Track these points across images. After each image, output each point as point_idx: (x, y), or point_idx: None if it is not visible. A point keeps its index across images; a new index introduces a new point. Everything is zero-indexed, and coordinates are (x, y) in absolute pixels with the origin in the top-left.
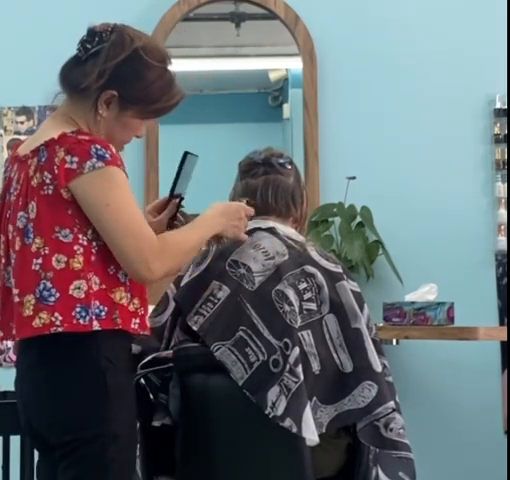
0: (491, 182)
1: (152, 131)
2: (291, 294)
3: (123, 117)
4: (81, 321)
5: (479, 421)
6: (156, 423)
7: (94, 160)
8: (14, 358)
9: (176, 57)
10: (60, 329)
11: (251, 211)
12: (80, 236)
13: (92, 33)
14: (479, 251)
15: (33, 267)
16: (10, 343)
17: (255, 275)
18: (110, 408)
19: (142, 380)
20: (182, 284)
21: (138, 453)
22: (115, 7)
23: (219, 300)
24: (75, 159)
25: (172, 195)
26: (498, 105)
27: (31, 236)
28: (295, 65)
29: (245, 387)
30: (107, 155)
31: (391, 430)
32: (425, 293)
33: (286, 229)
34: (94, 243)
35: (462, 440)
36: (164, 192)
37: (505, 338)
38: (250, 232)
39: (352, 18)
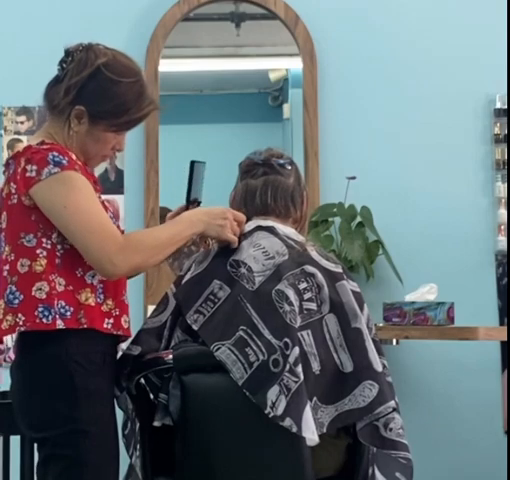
0: (491, 182)
1: (152, 131)
2: (291, 294)
3: (94, 131)
4: (44, 320)
5: (479, 421)
6: (156, 423)
7: (51, 166)
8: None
9: (176, 57)
10: (23, 328)
11: (241, 216)
12: (44, 240)
13: (67, 53)
14: (479, 251)
15: (3, 274)
16: (10, 343)
17: (255, 275)
18: (79, 408)
19: (142, 380)
20: (183, 282)
21: (138, 453)
22: (115, 7)
23: (219, 299)
24: (34, 167)
25: (189, 201)
26: (498, 105)
27: (2, 245)
28: (295, 65)
29: (245, 387)
30: (64, 161)
31: (390, 430)
32: (425, 293)
33: (286, 229)
34: (59, 246)
35: (462, 440)
36: (164, 192)
37: (505, 338)
38: (250, 232)
39: (352, 18)
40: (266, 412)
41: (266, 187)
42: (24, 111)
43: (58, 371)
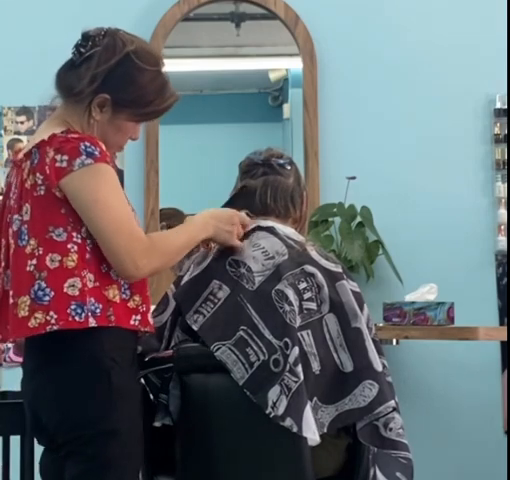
0: (491, 182)
1: (152, 131)
2: (291, 294)
3: (116, 120)
4: (77, 318)
5: (479, 421)
6: (157, 423)
7: (83, 157)
8: (14, 358)
9: (176, 57)
10: (55, 327)
11: (247, 220)
12: (74, 234)
13: (86, 37)
14: (479, 251)
15: (28, 268)
16: (10, 343)
17: (255, 275)
18: (113, 406)
19: (142, 380)
20: (182, 283)
21: None
22: (115, 7)
23: (219, 300)
24: (65, 157)
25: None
26: (498, 105)
27: (25, 238)
28: (295, 65)
29: (246, 387)
30: (96, 152)
31: (390, 430)
32: (425, 293)
33: (286, 229)
34: (88, 241)
35: (462, 440)
36: (164, 192)
37: (505, 338)
38: (250, 231)
39: (352, 18)
40: (267, 412)
41: (266, 187)
42: (24, 111)
43: (95, 368)
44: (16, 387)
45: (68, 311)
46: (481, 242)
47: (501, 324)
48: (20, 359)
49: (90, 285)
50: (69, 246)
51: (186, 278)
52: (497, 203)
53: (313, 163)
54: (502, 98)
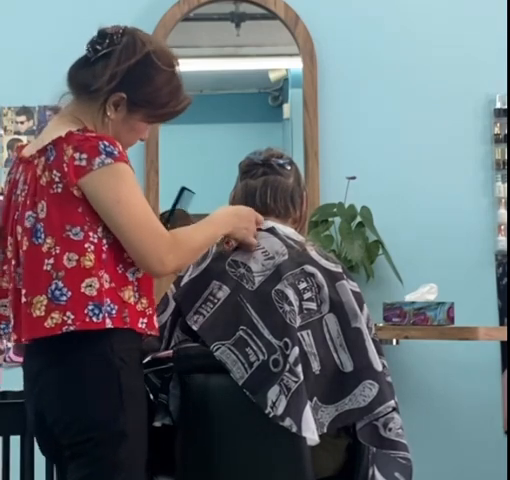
0: (491, 182)
1: (152, 131)
2: (291, 294)
3: (130, 120)
4: (94, 319)
5: (479, 421)
6: (157, 423)
7: (103, 156)
8: (14, 358)
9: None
10: (72, 328)
11: (261, 218)
12: (91, 234)
13: (103, 35)
14: (479, 251)
15: (45, 267)
16: (10, 343)
17: (255, 275)
18: (124, 408)
19: None
20: (182, 284)
21: None
22: (115, 7)
23: (219, 300)
24: (84, 156)
25: (167, 221)
26: (498, 105)
27: (41, 236)
28: (295, 65)
29: (245, 387)
30: (116, 152)
31: (390, 430)
32: (425, 293)
33: (285, 229)
34: (104, 240)
35: (462, 440)
36: (164, 192)
37: (505, 338)
38: None
39: (352, 18)
40: (266, 412)
41: (266, 187)
42: (24, 111)
43: (105, 369)
44: (16, 387)
45: (86, 311)
46: (481, 242)
47: (501, 324)
48: (20, 359)
49: (106, 286)
50: (86, 245)
51: (186, 279)
52: (497, 203)
53: (313, 163)
54: (502, 98)
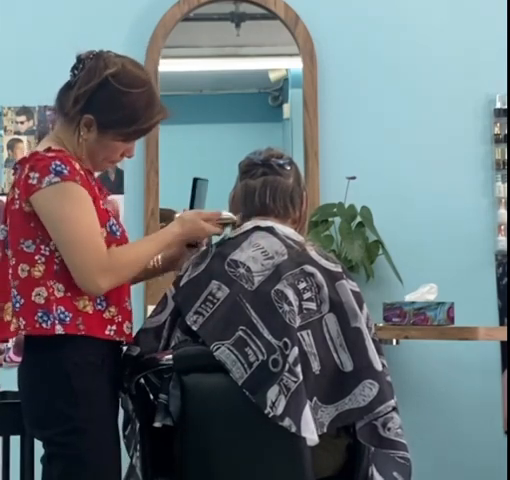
0: (491, 182)
1: (152, 131)
2: (290, 294)
3: (103, 139)
4: (43, 325)
5: (479, 421)
6: (157, 424)
7: (52, 175)
8: (14, 358)
9: (176, 57)
10: (24, 332)
11: (213, 214)
12: (42, 247)
13: (78, 60)
14: (479, 251)
15: (9, 277)
16: (10, 343)
17: (254, 275)
18: (77, 407)
19: (142, 380)
20: (181, 284)
21: (138, 454)
22: (115, 7)
23: (218, 300)
24: (36, 175)
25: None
26: (498, 105)
27: (7, 248)
28: (295, 65)
29: (245, 387)
30: (65, 171)
31: (389, 429)
32: (425, 293)
33: (285, 229)
34: (57, 253)
35: (462, 440)
36: (164, 192)
37: (505, 338)
38: (249, 232)
39: (352, 18)
40: (266, 412)
41: (265, 187)
42: (24, 111)
43: (56, 372)
44: (16, 387)
45: (35, 318)
46: (481, 242)
47: (501, 324)
48: (20, 359)
49: (59, 295)
50: (36, 257)
51: (185, 279)
52: (497, 203)
53: (313, 163)
54: (502, 98)
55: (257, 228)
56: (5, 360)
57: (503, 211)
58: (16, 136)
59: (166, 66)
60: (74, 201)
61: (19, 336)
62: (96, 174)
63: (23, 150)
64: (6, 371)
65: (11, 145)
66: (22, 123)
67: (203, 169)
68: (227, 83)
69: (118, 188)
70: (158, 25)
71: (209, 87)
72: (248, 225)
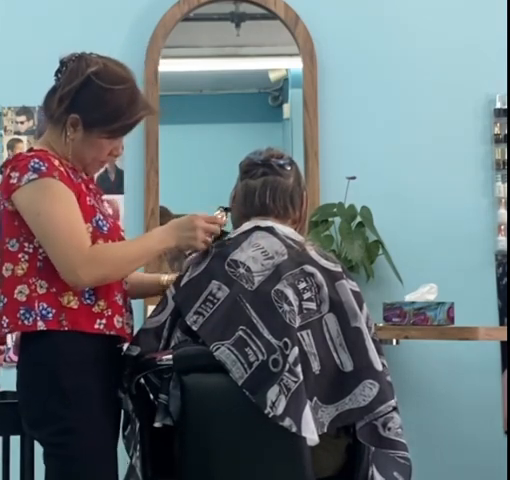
0: (491, 182)
1: (152, 131)
2: (290, 294)
3: (89, 138)
4: (25, 322)
5: (479, 421)
6: (157, 424)
7: (30, 173)
8: (14, 358)
9: (176, 57)
10: (6, 330)
11: (211, 217)
12: (26, 244)
13: (61, 63)
14: (479, 251)
15: None
16: (10, 343)
17: (254, 275)
18: (68, 406)
19: (142, 380)
20: (181, 284)
21: (138, 454)
22: (115, 7)
23: (218, 300)
24: (16, 174)
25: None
26: (498, 105)
27: None
28: (295, 65)
29: (245, 387)
30: (43, 167)
31: (389, 429)
32: (425, 293)
33: (285, 229)
34: (41, 250)
35: (462, 440)
36: (164, 192)
37: (505, 338)
38: (249, 231)
39: (352, 18)
40: (266, 412)
41: (265, 188)
42: (24, 111)
43: (45, 370)
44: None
45: (17, 315)
46: (481, 242)
47: (501, 324)
48: None
49: (41, 291)
50: (20, 256)
51: (185, 279)
52: (497, 203)
53: (313, 163)
54: (502, 98)
55: (257, 228)
56: (5, 360)
57: (503, 211)
58: (16, 136)
59: (166, 66)
60: (53, 195)
61: (18, 336)
62: (96, 175)
63: (23, 150)
64: (6, 371)
65: (11, 145)
66: (22, 123)
67: (203, 169)
68: (227, 83)
69: (118, 188)
70: (158, 25)
71: (209, 87)
72: (248, 225)
